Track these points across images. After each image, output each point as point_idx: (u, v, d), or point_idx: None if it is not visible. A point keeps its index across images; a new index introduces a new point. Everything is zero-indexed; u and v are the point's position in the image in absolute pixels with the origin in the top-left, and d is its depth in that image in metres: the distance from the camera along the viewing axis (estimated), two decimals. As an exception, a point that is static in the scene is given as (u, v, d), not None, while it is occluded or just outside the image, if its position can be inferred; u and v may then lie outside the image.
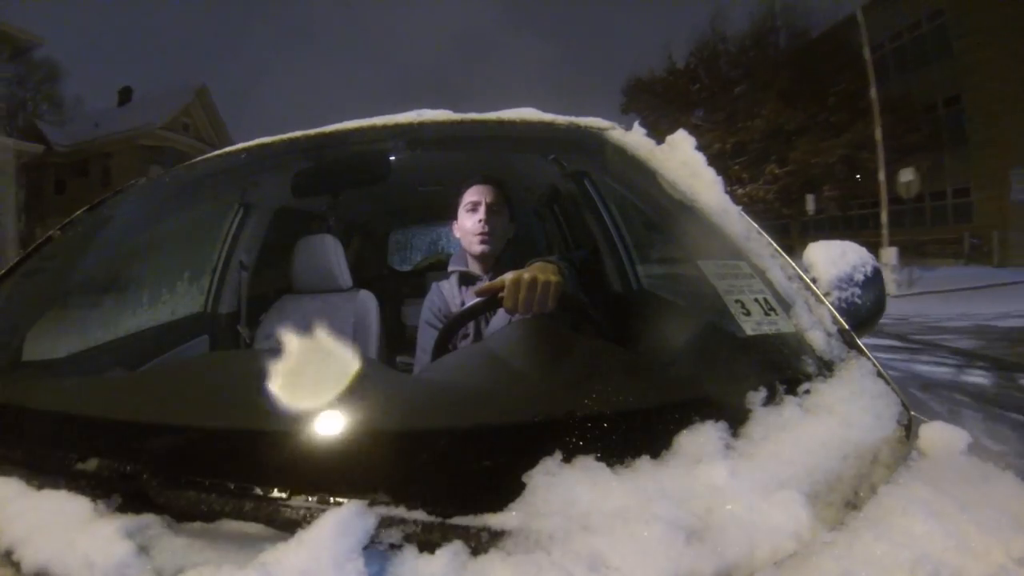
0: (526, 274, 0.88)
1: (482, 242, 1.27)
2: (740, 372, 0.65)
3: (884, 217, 11.52)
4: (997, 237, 13.01)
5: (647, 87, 17.69)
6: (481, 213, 1.27)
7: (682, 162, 0.88)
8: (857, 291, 0.83)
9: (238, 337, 1.73)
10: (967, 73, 13.61)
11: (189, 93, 18.69)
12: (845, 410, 0.53)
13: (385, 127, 1.14)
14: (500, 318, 1.16)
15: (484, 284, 0.91)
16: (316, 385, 0.67)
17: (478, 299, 0.94)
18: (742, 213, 0.81)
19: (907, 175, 10.98)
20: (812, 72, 14.51)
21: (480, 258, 1.30)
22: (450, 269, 1.38)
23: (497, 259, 1.30)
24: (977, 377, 3.87)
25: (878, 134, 11.45)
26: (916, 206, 13.89)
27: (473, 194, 1.30)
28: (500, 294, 0.88)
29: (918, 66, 15.00)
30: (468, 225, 1.29)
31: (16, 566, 0.41)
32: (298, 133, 1.20)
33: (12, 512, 0.45)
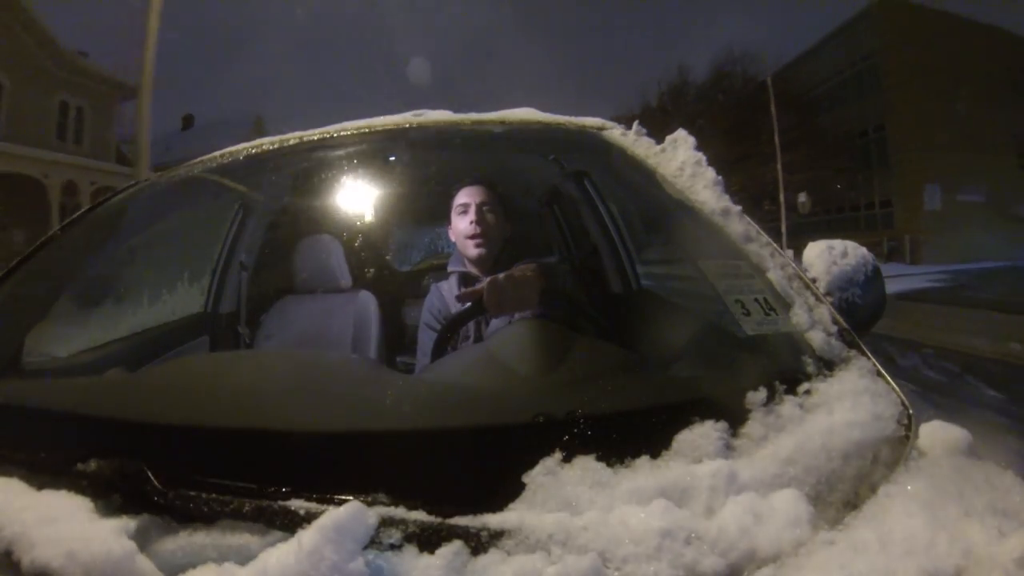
0: (503, 275, 0.88)
1: (476, 245, 1.27)
2: (740, 372, 0.65)
3: (783, 227, 14.34)
4: (908, 240, 16.50)
5: (627, 121, 20.00)
6: (472, 215, 1.27)
7: (682, 162, 0.88)
8: (857, 291, 0.83)
9: (238, 337, 1.73)
10: (891, 106, 16.81)
11: (248, 122, 18.90)
12: (845, 410, 0.53)
13: (385, 127, 1.14)
14: (500, 318, 1.16)
15: (465, 291, 0.92)
16: (316, 385, 0.67)
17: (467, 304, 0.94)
18: (742, 213, 0.81)
19: (802, 197, 14.51)
20: (755, 111, 17.17)
21: (476, 260, 1.30)
22: (449, 270, 1.38)
23: (495, 259, 1.30)
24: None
25: (779, 169, 14.51)
26: (852, 215, 18.08)
27: (463, 196, 1.30)
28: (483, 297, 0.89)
29: (854, 99, 18.29)
30: (461, 228, 1.29)
31: (16, 566, 0.41)
32: (298, 133, 1.20)
33: (12, 512, 0.45)
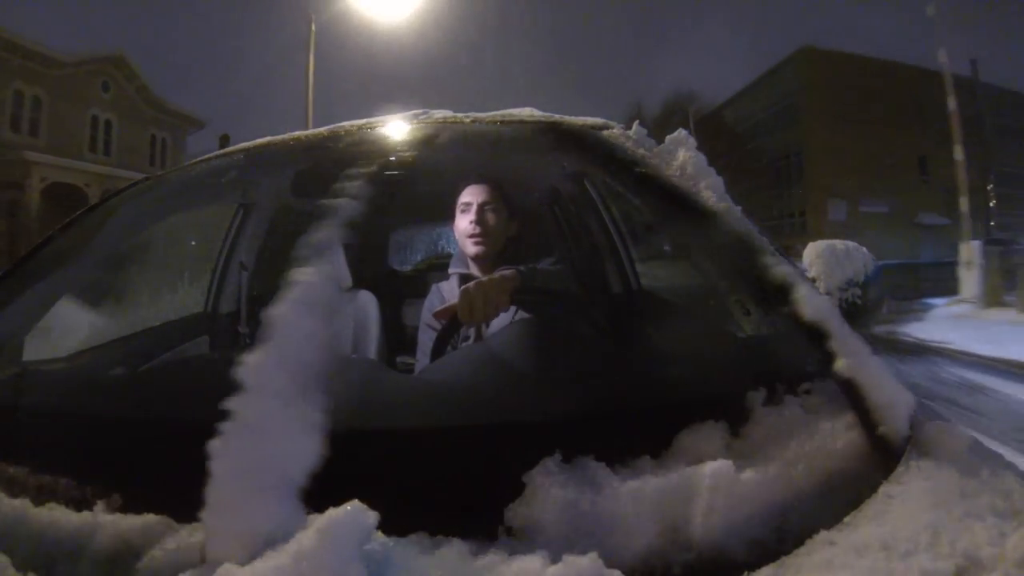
0: (472, 283, 0.89)
1: (475, 243, 1.27)
2: (740, 372, 0.65)
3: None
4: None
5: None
6: (472, 214, 1.27)
7: (682, 162, 0.88)
8: (857, 291, 0.83)
9: (238, 337, 1.73)
10: (806, 135, 21.28)
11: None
12: (845, 410, 0.53)
13: (385, 127, 1.14)
14: (501, 319, 1.16)
15: (440, 308, 0.93)
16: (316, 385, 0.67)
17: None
18: (742, 213, 0.81)
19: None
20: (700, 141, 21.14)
21: (476, 259, 1.30)
22: (450, 271, 1.38)
23: (496, 258, 1.30)
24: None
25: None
26: (777, 223, 21.79)
27: (466, 195, 1.31)
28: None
29: (780, 129, 22.84)
30: (461, 226, 1.30)
31: (16, 566, 0.41)
32: (298, 133, 1.20)
33: (11, 512, 0.45)
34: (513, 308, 1.00)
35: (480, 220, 1.27)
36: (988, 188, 14.07)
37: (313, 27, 9.49)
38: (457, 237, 1.34)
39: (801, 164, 21.79)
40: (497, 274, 0.93)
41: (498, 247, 1.30)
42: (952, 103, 9.78)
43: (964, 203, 9.69)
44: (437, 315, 0.92)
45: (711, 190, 0.82)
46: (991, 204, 14.65)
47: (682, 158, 0.88)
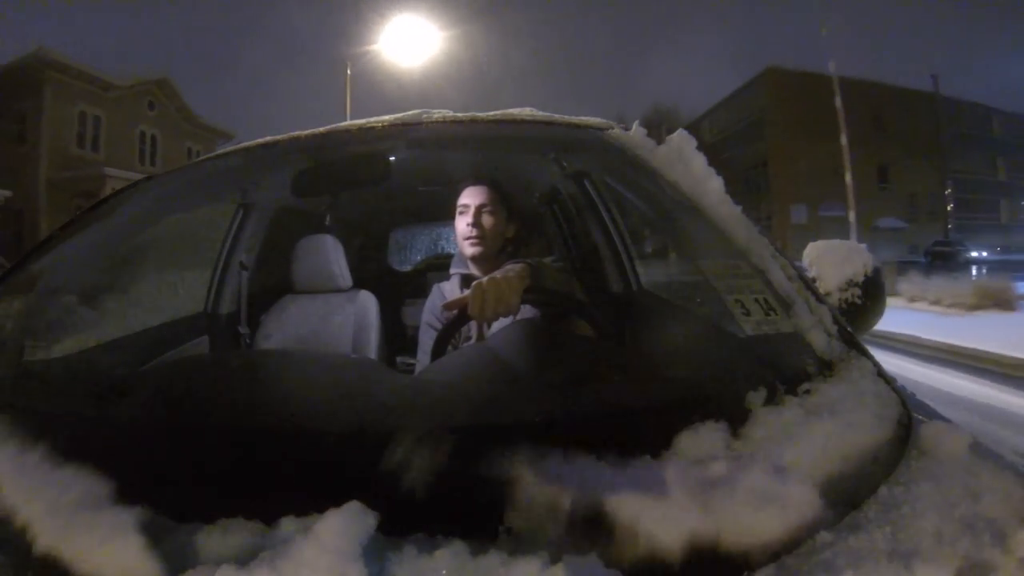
0: (486, 279, 0.88)
1: (472, 244, 1.27)
2: (740, 372, 0.65)
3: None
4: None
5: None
6: (470, 216, 1.28)
7: (683, 162, 0.88)
8: (857, 291, 0.83)
9: (238, 337, 1.73)
10: (771, 148, 24.00)
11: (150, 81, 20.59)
12: (845, 410, 0.53)
13: (385, 127, 1.14)
14: (502, 319, 1.16)
15: (451, 300, 0.92)
16: (316, 385, 0.67)
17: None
18: (743, 213, 0.81)
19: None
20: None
21: (475, 260, 1.30)
22: (451, 271, 1.38)
23: (495, 259, 1.30)
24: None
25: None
26: None
27: (465, 196, 1.31)
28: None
29: (749, 142, 25.57)
30: (460, 228, 1.30)
31: (16, 566, 0.41)
32: (298, 133, 1.20)
33: (12, 512, 0.45)
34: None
35: (477, 222, 1.27)
36: (946, 193, 16.03)
37: (349, 71, 11.52)
38: (457, 238, 1.34)
39: (767, 175, 24.37)
40: (508, 269, 0.92)
41: (496, 248, 1.30)
42: (838, 102, 11.86)
43: (851, 200, 11.23)
44: (447, 307, 0.91)
45: (711, 190, 0.82)
46: (948, 208, 16.83)
47: (682, 158, 0.88)
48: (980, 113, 23.98)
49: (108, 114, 15.67)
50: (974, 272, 12.79)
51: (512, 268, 0.92)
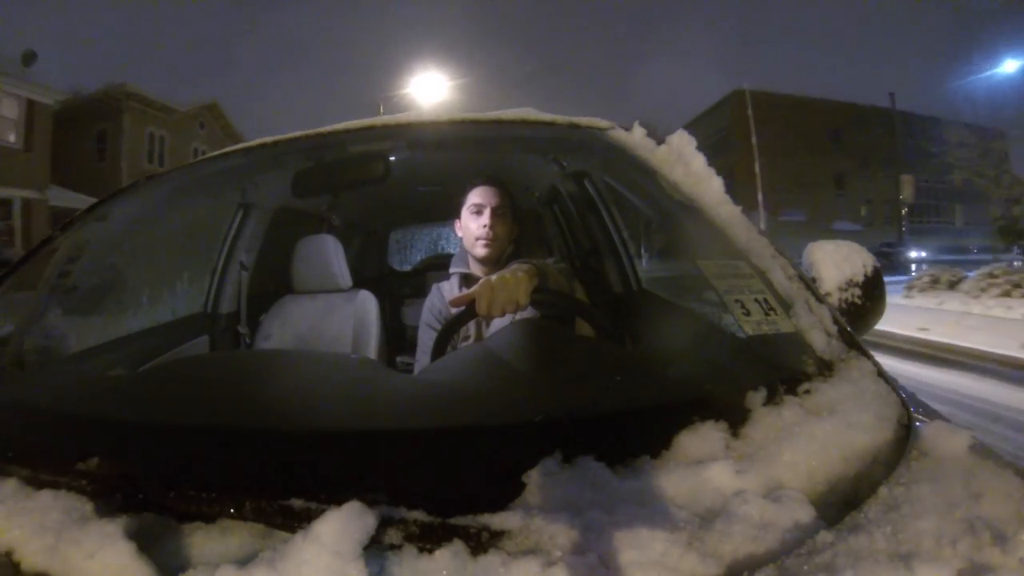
0: (494, 277, 0.88)
1: (485, 246, 1.27)
2: (740, 372, 0.65)
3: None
4: None
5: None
6: (486, 218, 1.26)
7: (682, 162, 0.88)
8: (857, 291, 0.83)
9: (238, 337, 1.73)
10: (737, 161, 23.45)
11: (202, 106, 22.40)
12: (845, 410, 0.53)
13: (385, 127, 1.14)
14: (500, 319, 1.16)
15: (457, 295, 0.92)
16: (316, 385, 0.67)
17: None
18: (742, 213, 0.81)
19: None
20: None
21: (483, 261, 1.30)
22: (451, 271, 1.38)
23: (498, 260, 1.30)
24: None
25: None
26: None
27: (478, 196, 1.29)
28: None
29: (718, 155, 24.78)
30: (472, 228, 1.28)
31: (16, 566, 0.41)
32: (298, 133, 1.20)
33: (12, 512, 0.45)
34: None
35: (493, 225, 1.26)
36: (900, 198, 17.60)
37: (381, 109, 13.45)
38: (464, 237, 1.33)
39: (733, 185, 27.89)
40: (516, 268, 0.92)
41: (503, 250, 1.30)
42: (749, 110, 13.44)
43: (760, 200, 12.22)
44: (454, 303, 0.91)
45: (711, 190, 0.82)
46: (903, 212, 18.57)
47: (682, 158, 0.88)
48: (936, 125, 26.14)
49: (170, 134, 18.65)
50: (913, 269, 14.79)
51: (520, 267, 0.92)
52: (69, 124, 15.23)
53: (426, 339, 1.34)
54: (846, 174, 24.02)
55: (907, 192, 17.60)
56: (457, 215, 1.34)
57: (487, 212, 1.27)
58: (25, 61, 13.13)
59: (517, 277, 0.88)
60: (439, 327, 1.30)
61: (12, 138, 12.90)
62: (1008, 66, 12.60)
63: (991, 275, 7.44)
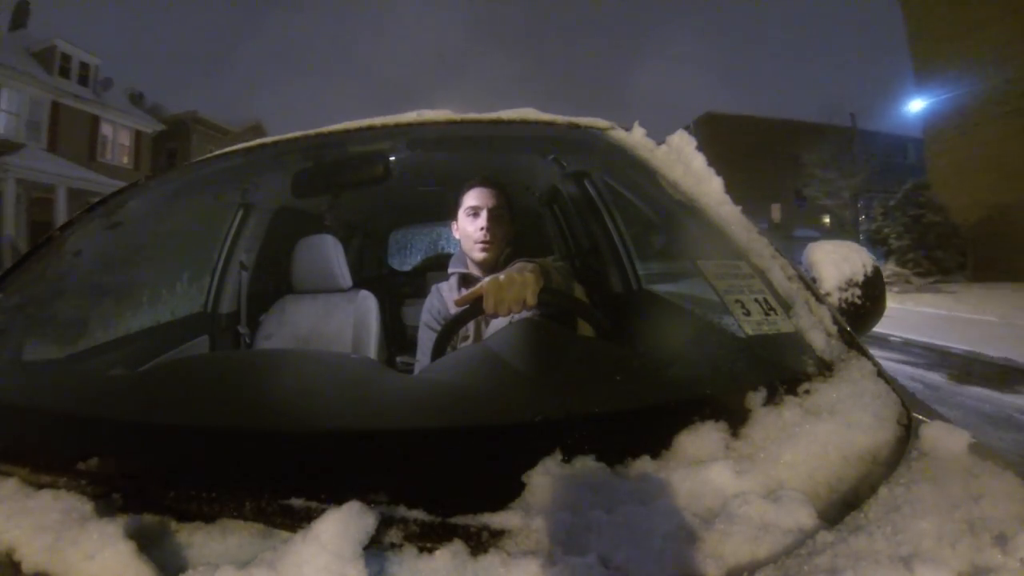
0: (502, 276, 0.88)
1: (483, 249, 1.26)
2: (740, 372, 0.65)
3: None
4: None
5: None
6: (483, 220, 1.26)
7: (682, 162, 0.88)
8: (857, 291, 0.83)
9: (238, 337, 1.73)
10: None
11: (249, 126, 24.05)
12: (845, 410, 0.53)
13: (385, 127, 1.14)
14: (500, 318, 1.16)
15: (463, 294, 0.92)
16: (316, 385, 0.67)
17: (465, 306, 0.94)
18: (742, 213, 0.81)
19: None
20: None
21: (481, 264, 1.29)
22: (450, 271, 1.38)
23: (497, 262, 1.29)
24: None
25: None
26: None
27: (474, 198, 1.29)
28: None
29: None
30: (470, 230, 1.28)
31: (16, 566, 0.41)
32: (298, 133, 1.20)
33: (12, 512, 0.45)
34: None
35: (491, 228, 1.25)
36: (858, 205, 19.75)
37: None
38: (461, 239, 1.32)
39: None
40: (522, 267, 0.91)
41: (502, 251, 1.30)
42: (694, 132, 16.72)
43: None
44: (460, 301, 0.91)
45: (711, 190, 0.82)
46: (860, 218, 20.02)
47: (682, 158, 0.88)
48: (895, 142, 28.66)
49: (224, 152, 22.26)
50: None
51: (526, 267, 0.92)
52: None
53: (425, 340, 1.33)
54: (806, 187, 26.68)
55: (776, 216, 20.09)
56: (455, 216, 1.33)
57: (484, 215, 1.26)
58: (133, 100, 18.41)
59: (525, 276, 0.88)
60: (439, 328, 1.30)
61: (126, 160, 17.29)
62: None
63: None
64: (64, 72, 15.25)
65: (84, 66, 15.88)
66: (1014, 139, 11.43)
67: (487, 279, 0.89)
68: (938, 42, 13.03)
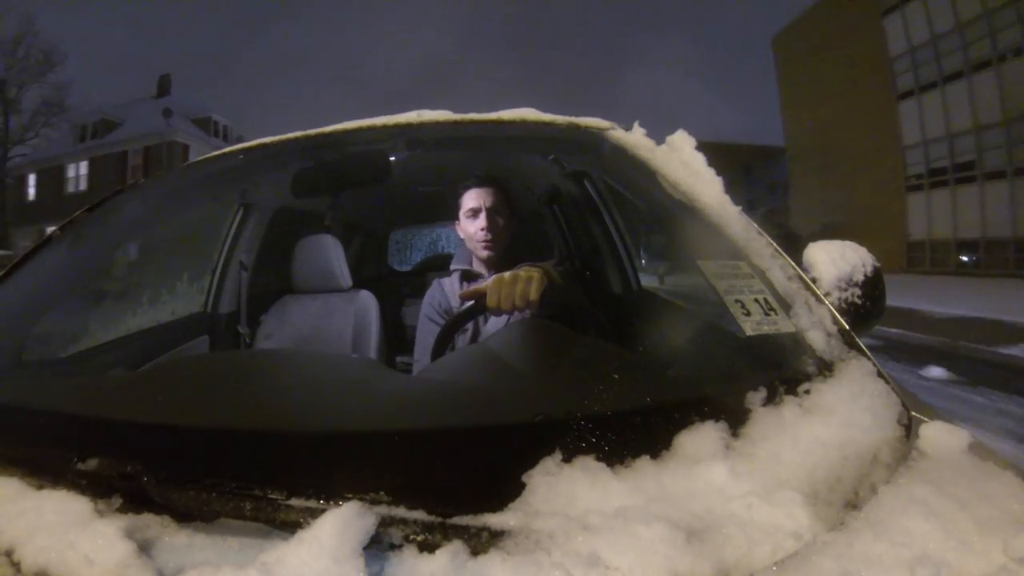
0: (507, 273, 0.89)
1: (485, 247, 1.28)
2: (740, 372, 0.65)
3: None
4: None
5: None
6: (482, 220, 1.28)
7: (682, 162, 0.88)
8: (857, 291, 0.82)
9: (238, 337, 1.73)
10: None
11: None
12: (845, 410, 0.53)
13: (385, 127, 1.14)
14: (497, 319, 1.16)
15: (468, 289, 0.93)
16: (316, 385, 0.67)
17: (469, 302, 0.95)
18: (742, 213, 0.81)
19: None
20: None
21: (486, 261, 1.31)
22: (453, 268, 1.38)
23: (502, 257, 1.31)
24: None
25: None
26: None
27: (472, 198, 1.30)
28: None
29: None
30: (471, 231, 1.30)
31: (16, 566, 0.41)
32: (298, 133, 1.20)
33: (12, 512, 0.45)
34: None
35: (491, 227, 1.27)
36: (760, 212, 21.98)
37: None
38: (464, 239, 1.35)
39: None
40: (527, 268, 0.93)
41: (504, 248, 1.31)
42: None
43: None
44: (464, 295, 0.92)
45: (711, 190, 0.82)
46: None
47: (683, 158, 0.88)
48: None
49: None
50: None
51: (530, 268, 0.93)
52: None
53: (426, 332, 1.34)
54: (756, 200, 30.01)
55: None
56: (457, 216, 1.35)
57: (483, 215, 1.28)
58: (202, 126, 21.45)
59: (531, 277, 0.90)
60: (440, 320, 1.30)
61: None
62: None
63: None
64: (216, 133, 22.36)
65: (226, 128, 23.32)
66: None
67: (492, 277, 0.90)
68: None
